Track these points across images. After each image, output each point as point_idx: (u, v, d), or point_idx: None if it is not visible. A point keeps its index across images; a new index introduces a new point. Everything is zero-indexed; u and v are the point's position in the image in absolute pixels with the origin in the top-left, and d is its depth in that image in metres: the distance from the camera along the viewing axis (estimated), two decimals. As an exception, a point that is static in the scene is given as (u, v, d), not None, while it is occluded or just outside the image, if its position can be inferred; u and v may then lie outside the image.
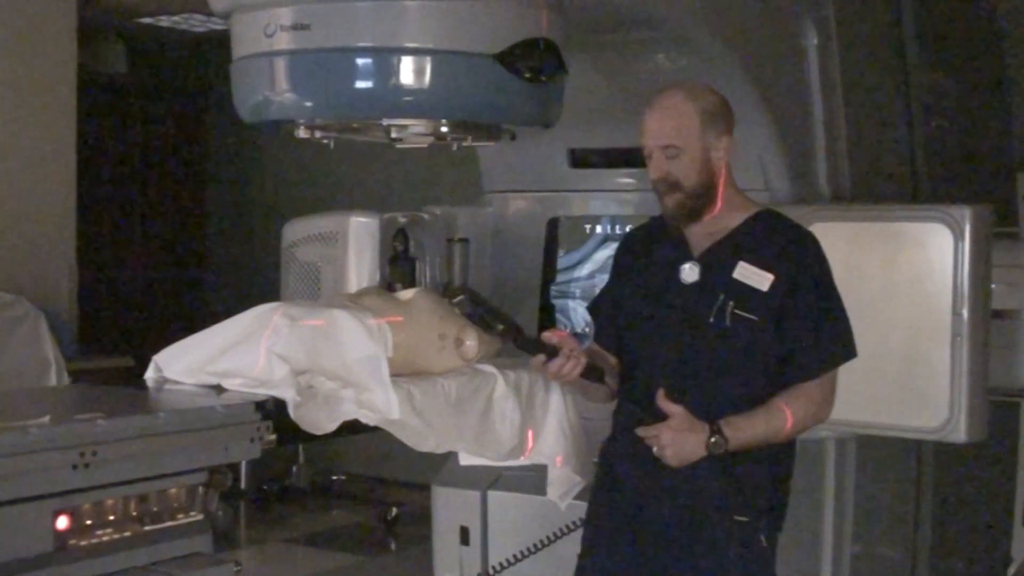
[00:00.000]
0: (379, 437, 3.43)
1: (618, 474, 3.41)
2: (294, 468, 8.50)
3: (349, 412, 3.31)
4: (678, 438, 3.21)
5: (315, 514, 8.19)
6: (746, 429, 3.23)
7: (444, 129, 3.61)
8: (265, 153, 9.62)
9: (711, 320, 3.27)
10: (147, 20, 8.79)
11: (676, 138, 3.28)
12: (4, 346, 6.47)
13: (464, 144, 3.79)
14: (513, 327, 3.26)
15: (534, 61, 3.47)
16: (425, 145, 3.77)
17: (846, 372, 3.84)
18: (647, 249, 3.48)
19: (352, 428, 3.34)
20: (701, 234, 3.36)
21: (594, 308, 3.64)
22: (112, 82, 9.04)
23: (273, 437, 3.12)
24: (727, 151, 3.34)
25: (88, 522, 2.80)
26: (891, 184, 4.74)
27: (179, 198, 9.63)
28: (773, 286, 3.25)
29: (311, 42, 3.38)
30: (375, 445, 3.76)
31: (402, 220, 4.61)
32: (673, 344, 3.33)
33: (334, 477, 8.74)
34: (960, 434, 3.80)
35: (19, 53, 7.24)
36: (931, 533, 4.84)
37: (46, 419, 2.74)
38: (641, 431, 3.25)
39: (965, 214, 3.79)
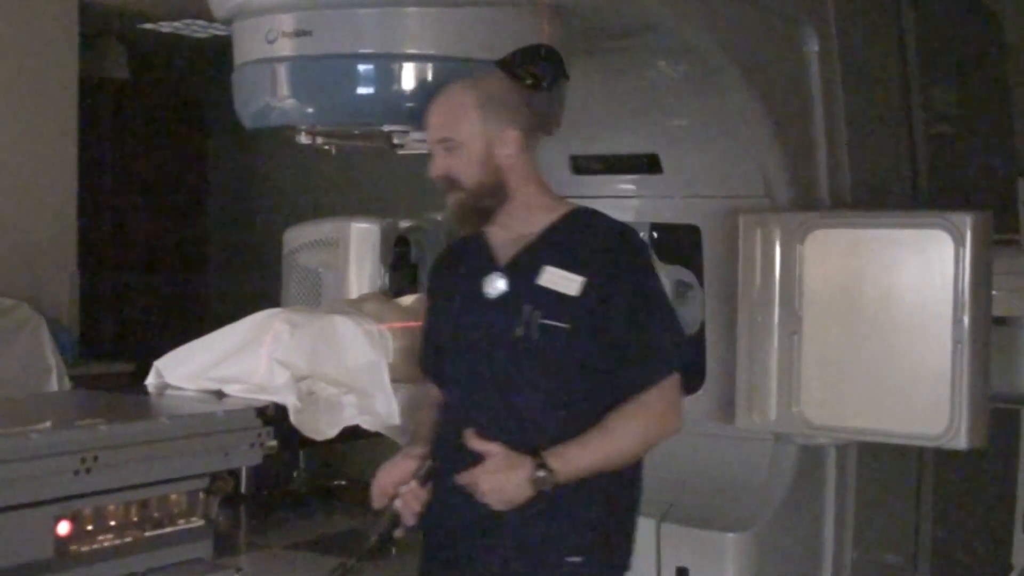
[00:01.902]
0: (380, 443, 3.43)
1: (443, 525, 3.06)
2: (295, 474, 8.50)
3: (350, 418, 3.31)
4: (498, 480, 2.84)
5: (316, 520, 8.18)
6: (578, 457, 2.87)
7: (446, 135, 3.60)
8: (266, 159, 9.62)
9: (519, 334, 2.94)
10: (149, 26, 8.79)
11: (451, 131, 3.00)
12: (5, 351, 6.47)
13: (465, 150, 3.79)
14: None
15: (535, 67, 3.46)
16: (427, 151, 3.77)
17: (846, 379, 3.85)
18: (455, 265, 3.18)
19: (353, 434, 3.35)
20: (505, 242, 3.05)
21: (421, 354, 3.27)
22: (113, 87, 9.04)
23: (274, 443, 3.13)
24: (517, 145, 3.01)
25: (89, 527, 2.80)
26: (892, 190, 4.75)
27: (180, 204, 9.63)
28: (585, 289, 2.92)
29: (313, 48, 3.38)
30: (376, 451, 3.75)
31: (403, 226, 4.63)
32: (481, 366, 3.00)
33: (335, 483, 8.73)
34: (961, 441, 3.80)
35: (20, 58, 7.25)
36: (931, 540, 4.84)
37: (47, 424, 2.74)
38: (460, 479, 2.89)
39: (966, 220, 3.79)
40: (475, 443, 2.90)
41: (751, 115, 4.10)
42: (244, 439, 3.06)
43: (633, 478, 3.05)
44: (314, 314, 3.56)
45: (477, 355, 3.02)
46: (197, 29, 8.83)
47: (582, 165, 4.54)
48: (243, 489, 8.00)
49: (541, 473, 2.83)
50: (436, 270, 3.33)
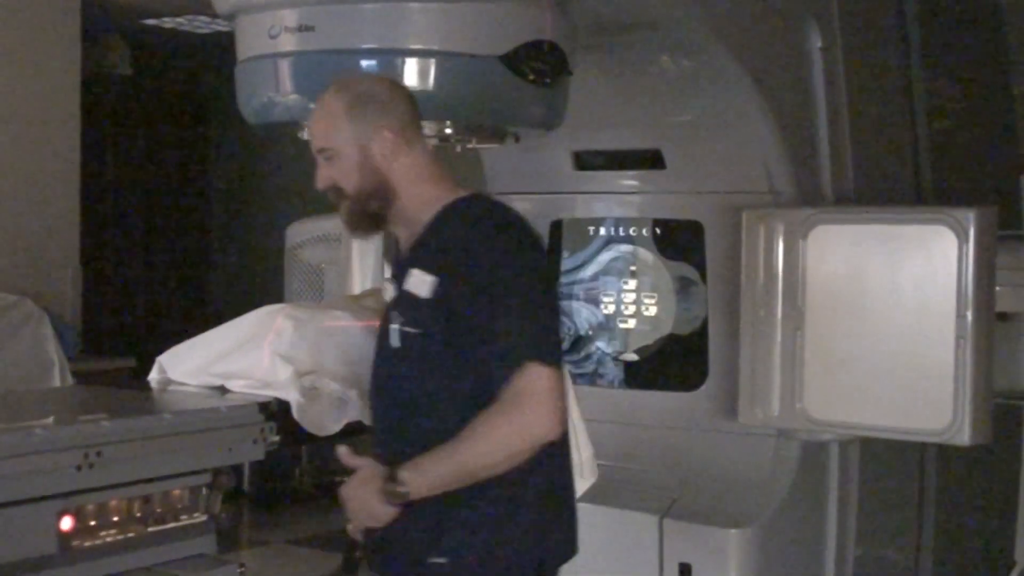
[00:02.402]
0: (383, 439, 3.42)
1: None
2: (297, 470, 8.50)
3: (353, 413, 3.31)
4: (355, 496, 2.82)
5: (319, 516, 8.18)
6: (431, 468, 2.72)
7: (448, 131, 3.61)
8: (269, 154, 9.63)
9: (388, 343, 2.87)
10: (151, 22, 8.79)
11: (326, 140, 2.89)
12: (8, 347, 6.48)
13: (468, 146, 3.79)
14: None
15: (538, 63, 3.47)
16: (429, 147, 3.77)
17: (849, 375, 3.83)
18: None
19: (356, 429, 3.34)
20: (405, 243, 2.95)
21: None
22: (116, 83, 9.05)
23: (277, 438, 3.13)
24: (393, 144, 2.86)
25: (92, 523, 2.80)
26: (895, 186, 4.74)
27: (183, 199, 9.64)
28: (435, 290, 2.77)
29: (315, 43, 3.39)
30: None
31: (406, 222, 4.60)
32: (373, 379, 2.96)
33: (338, 479, 8.72)
34: (964, 436, 3.80)
35: (23, 54, 7.25)
36: (934, 535, 4.84)
37: (50, 420, 2.74)
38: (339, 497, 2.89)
39: (969, 216, 3.79)
40: (345, 458, 2.87)
41: (754, 111, 4.10)
42: (247, 435, 3.05)
43: (517, 479, 2.77)
44: (317, 309, 3.56)
45: (373, 369, 2.98)
46: (200, 25, 8.83)
47: (585, 161, 4.54)
48: (246, 485, 8.01)
49: (392, 487, 2.74)
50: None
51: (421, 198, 2.89)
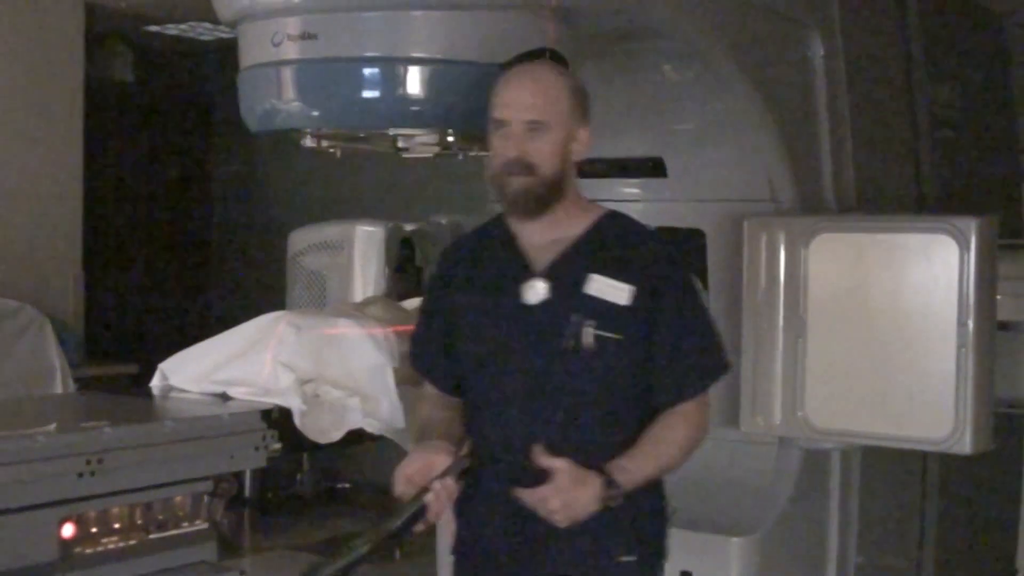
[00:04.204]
0: (384, 446, 3.43)
1: (483, 535, 2.99)
2: (299, 477, 8.51)
3: (355, 421, 3.32)
4: (568, 498, 2.77)
5: (320, 522, 8.18)
6: (636, 471, 2.85)
7: (450, 139, 3.61)
8: (271, 162, 9.63)
9: (568, 345, 2.87)
10: (154, 28, 8.80)
11: (544, 113, 2.90)
12: (10, 353, 6.48)
13: (470, 154, 3.79)
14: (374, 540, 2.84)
15: (541, 71, 3.46)
16: (431, 155, 3.77)
17: (851, 383, 3.83)
18: (475, 266, 3.04)
19: (358, 437, 3.35)
20: (540, 245, 2.96)
21: (420, 355, 3.09)
22: (119, 90, 9.05)
23: (278, 445, 3.13)
24: (585, 144, 2.99)
25: (94, 530, 2.80)
26: (897, 195, 4.74)
27: (185, 206, 9.64)
28: (634, 298, 2.88)
29: (318, 52, 3.38)
30: (381, 454, 3.76)
31: (408, 229, 4.64)
32: (525, 378, 2.90)
33: (339, 485, 8.74)
34: (965, 445, 3.80)
35: (26, 61, 7.26)
36: (936, 544, 4.84)
37: (52, 427, 2.74)
38: (524, 496, 2.80)
39: (970, 225, 3.79)
40: (543, 460, 2.79)
41: (756, 119, 4.10)
42: (248, 442, 3.06)
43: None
44: (319, 317, 3.57)
45: (519, 364, 2.91)
46: (203, 32, 8.84)
47: (587, 168, 4.50)
48: (247, 492, 8.02)
49: (611, 489, 2.81)
50: (448, 268, 3.09)
51: (573, 203, 2.99)
